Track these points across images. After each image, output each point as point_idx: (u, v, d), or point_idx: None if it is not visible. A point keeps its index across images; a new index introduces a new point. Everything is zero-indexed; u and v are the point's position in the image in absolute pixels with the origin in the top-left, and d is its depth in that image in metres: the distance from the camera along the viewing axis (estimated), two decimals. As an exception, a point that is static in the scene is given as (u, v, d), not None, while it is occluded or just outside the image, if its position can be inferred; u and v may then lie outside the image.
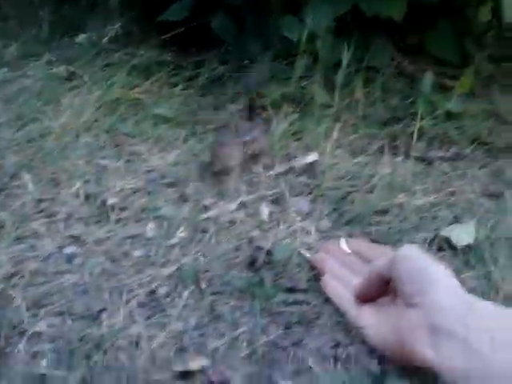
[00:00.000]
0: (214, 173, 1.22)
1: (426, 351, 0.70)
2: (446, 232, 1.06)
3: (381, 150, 1.38)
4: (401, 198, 1.17)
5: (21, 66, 1.88)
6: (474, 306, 0.71)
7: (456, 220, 1.12)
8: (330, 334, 0.85)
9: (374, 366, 0.78)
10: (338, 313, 0.88)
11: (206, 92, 1.65)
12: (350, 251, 0.97)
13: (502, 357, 0.64)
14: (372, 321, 0.82)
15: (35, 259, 1.00)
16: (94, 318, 0.88)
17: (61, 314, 0.89)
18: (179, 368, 0.78)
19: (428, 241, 1.04)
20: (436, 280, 0.75)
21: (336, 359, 0.80)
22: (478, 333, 0.67)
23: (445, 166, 1.36)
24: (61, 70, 1.84)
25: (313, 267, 0.97)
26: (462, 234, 1.05)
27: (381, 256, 0.88)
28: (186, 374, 0.78)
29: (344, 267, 0.94)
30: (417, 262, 0.78)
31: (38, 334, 0.85)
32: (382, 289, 0.84)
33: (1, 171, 1.28)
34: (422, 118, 1.46)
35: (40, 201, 1.18)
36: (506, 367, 0.64)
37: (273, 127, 1.41)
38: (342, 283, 0.91)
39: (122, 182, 1.23)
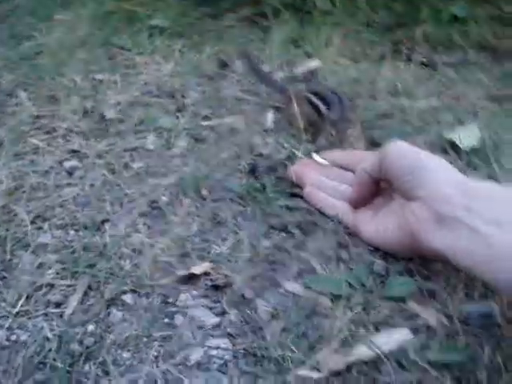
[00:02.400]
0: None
1: (434, 240, 0.70)
2: (449, 135, 1.05)
3: (383, 56, 1.34)
4: (403, 102, 1.15)
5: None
6: (476, 191, 0.70)
7: (460, 123, 1.10)
8: (331, 236, 0.85)
9: (377, 264, 0.79)
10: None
11: (204, 1, 1.60)
12: (326, 162, 0.94)
13: (508, 238, 0.64)
14: (372, 223, 0.82)
15: (36, 174, 1.00)
16: (97, 228, 0.88)
17: (64, 226, 0.89)
18: (182, 272, 0.79)
19: (431, 143, 1.03)
20: (434, 170, 0.74)
21: (339, 260, 0.81)
22: (482, 217, 0.66)
23: (448, 71, 1.33)
24: (52, -14, 1.79)
25: (292, 181, 0.95)
26: (466, 137, 1.03)
27: (361, 159, 0.86)
28: (189, 278, 0.78)
29: (325, 177, 0.92)
30: (411, 155, 0.77)
31: (43, 246, 0.85)
32: (374, 189, 0.84)
33: (-3, 90, 1.26)
34: (425, 23, 1.41)
35: (38, 117, 1.16)
36: None
37: (273, 35, 1.37)
38: (329, 193, 0.90)
39: (119, 95, 1.21)
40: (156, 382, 0.66)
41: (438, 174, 0.73)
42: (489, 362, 0.65)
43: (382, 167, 0.79)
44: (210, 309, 0.74)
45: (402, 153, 0.78)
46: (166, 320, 0.73)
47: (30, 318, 0.74)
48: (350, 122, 0.99)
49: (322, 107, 1.03)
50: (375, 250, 0.81)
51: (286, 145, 1.03)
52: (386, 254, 0.80)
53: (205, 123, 1.12)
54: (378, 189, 0.84)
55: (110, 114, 1.14)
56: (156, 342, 0.70)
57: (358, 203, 0.85)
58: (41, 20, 1.56)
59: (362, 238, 0.83)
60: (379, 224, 0.81)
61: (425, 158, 0.76)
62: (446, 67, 1.34)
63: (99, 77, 1.29)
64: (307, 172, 0.93)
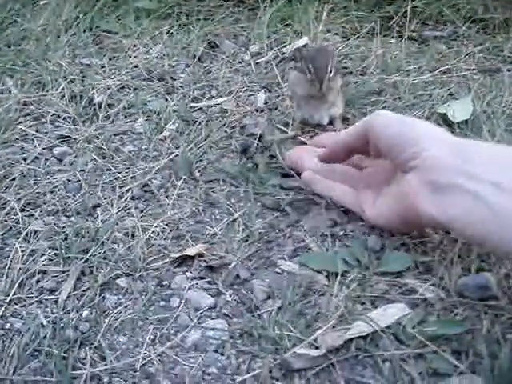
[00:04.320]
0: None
1: (431, 208, 0.68)
2: (442, 109, 1.04)
3: (373, 32, 1.33)
4: (395, 77, 1.14)
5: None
6: (473, 153, 0.68)
7: (452, 97, 1.10)
8: (325, 214, 0.84)
9: (372, 240, 0.78)
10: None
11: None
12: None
13: (506, 200, 0.63)
14: (374, 204, 0.80)
15: (25, 161, 0.99)
16: (89, 213, 0.87)
17: (55, 212, 0.88)
18: (176, 254, 0.78)
19: (424, 118, 1.02)
20: (424, 135, 0.72)
21: (334, 237, 0.80)
22: (483, 181, 0.64)
23: (440, 45, 1.32)
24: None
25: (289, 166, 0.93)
26: (459, 110, 1.02)
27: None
28: (184, 260, 0.78)
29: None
30: (397, 123, 0.75)
31: (35, 233, 0.84)
32: (347, 152, 0.83)
33: (-19, 78, 1.24)
34: (414, -2, 1.40)
35: (26, 104, 1.15)
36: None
37: (261, 14, 1.36)
38: (327, 176, 0.88)
39: (107, 79, 1.20)
40: (153, 365, 0.65)
41: (431, 142, 0.70)
42: (487, 334, 0.65)
43: (369, 139, 0.78)
44: (206, 290, 0.74)
45: (388, 122, 0.76)
46: (162, 303, 0.73)
47: (23, 306, 0.73)
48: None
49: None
50: (370, 226, 0.81)
51: (277, 124, 1.02)
52: (381, 230, 0.79)
53: (195, 105, 1.11)
54: (350, 155, 0.84)
55: (99, 98, 1.12)
56: (152, 325, 0.70)
57: (327, 157, 0.85)
58: (25, 5, 1.53)
59: (366, 219, 0.81)
60: (381, 202, 0.78)
61: (411, 123, 0.75)
62: (437, 41, 1.33)
63: (86, 61, 1.27)
64: (304, 157, 0.91)
